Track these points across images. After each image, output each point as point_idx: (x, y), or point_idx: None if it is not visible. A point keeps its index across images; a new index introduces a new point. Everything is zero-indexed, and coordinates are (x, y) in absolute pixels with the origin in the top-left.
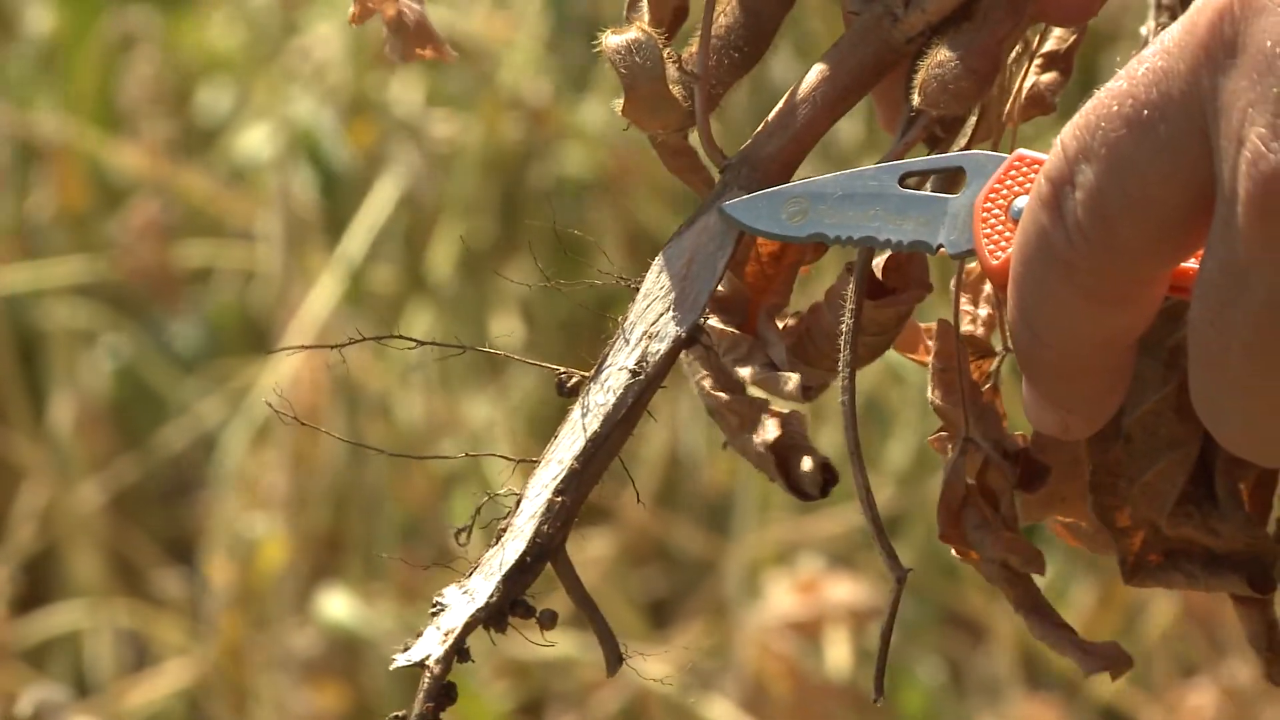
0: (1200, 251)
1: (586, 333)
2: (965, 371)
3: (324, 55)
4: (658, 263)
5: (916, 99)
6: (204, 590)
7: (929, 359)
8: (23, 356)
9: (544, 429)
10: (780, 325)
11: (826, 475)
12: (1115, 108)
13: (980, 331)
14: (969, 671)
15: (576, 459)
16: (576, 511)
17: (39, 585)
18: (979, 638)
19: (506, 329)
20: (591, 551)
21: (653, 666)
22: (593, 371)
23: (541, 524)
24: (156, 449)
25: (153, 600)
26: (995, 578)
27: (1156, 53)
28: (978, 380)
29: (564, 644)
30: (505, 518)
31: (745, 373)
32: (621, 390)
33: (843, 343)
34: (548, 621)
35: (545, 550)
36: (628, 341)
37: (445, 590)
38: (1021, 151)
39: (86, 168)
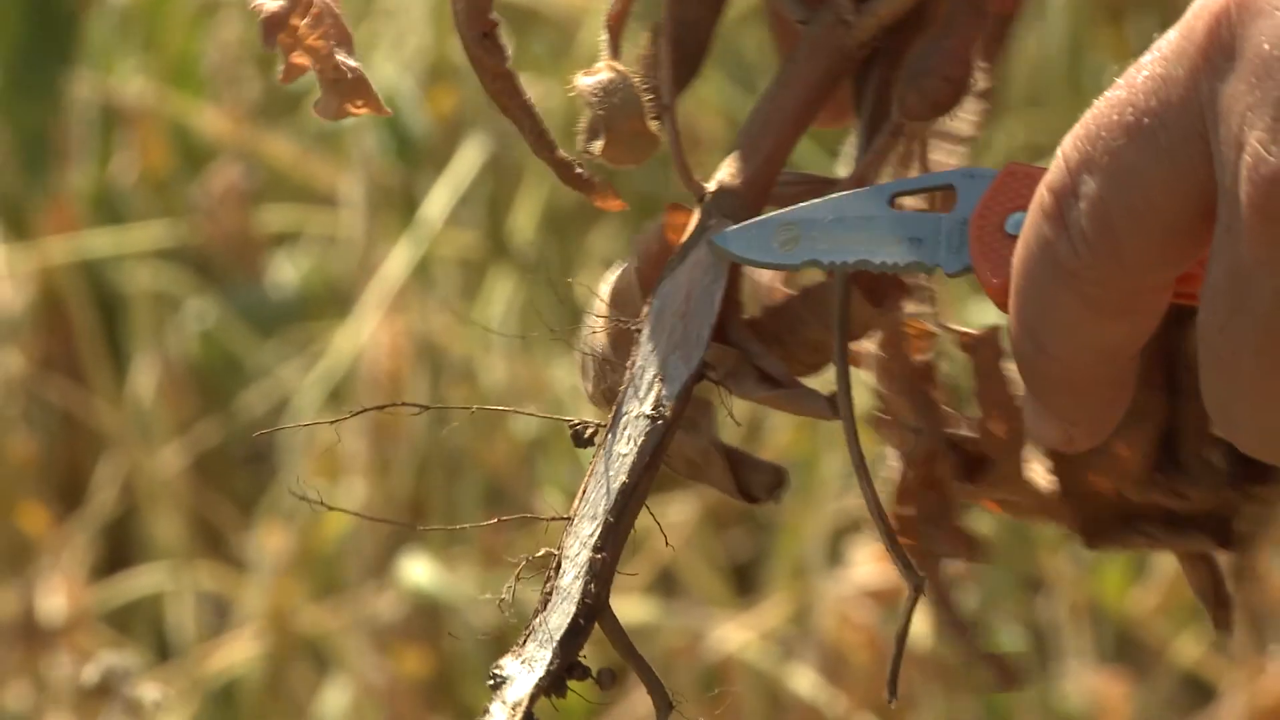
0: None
1: None
2: (908, 360)
3: (405, 21)
4: (656, 302)
5: (896, 112)
6: (281, 555)
7: (872, 348)
8: (106, 321)
9: None
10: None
11: (779, 480)
12: (1115, 116)
13: (920, 319)
14: (1048, 639)
15: (610, 513)
16: (616, 565)
17: (121, 549)
18: (1057, 605)
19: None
20: (674, 517)
21: (735, 633)
22: (610, 422)
23: (587, 583)
24: (238, 413)
25: (234, 564)
26: (920, 566)
27: (1155, 59)
28: (920, 369)
29: (646, 610)
30: (546, 580)
31: (749, 390)
32: (643, 439)
33: (836, 355)
34: (607, 682)
35: (594, 610)
36: (639, 387)
37: (502, 661)
38: (1012, 165)
39: (169, 132)
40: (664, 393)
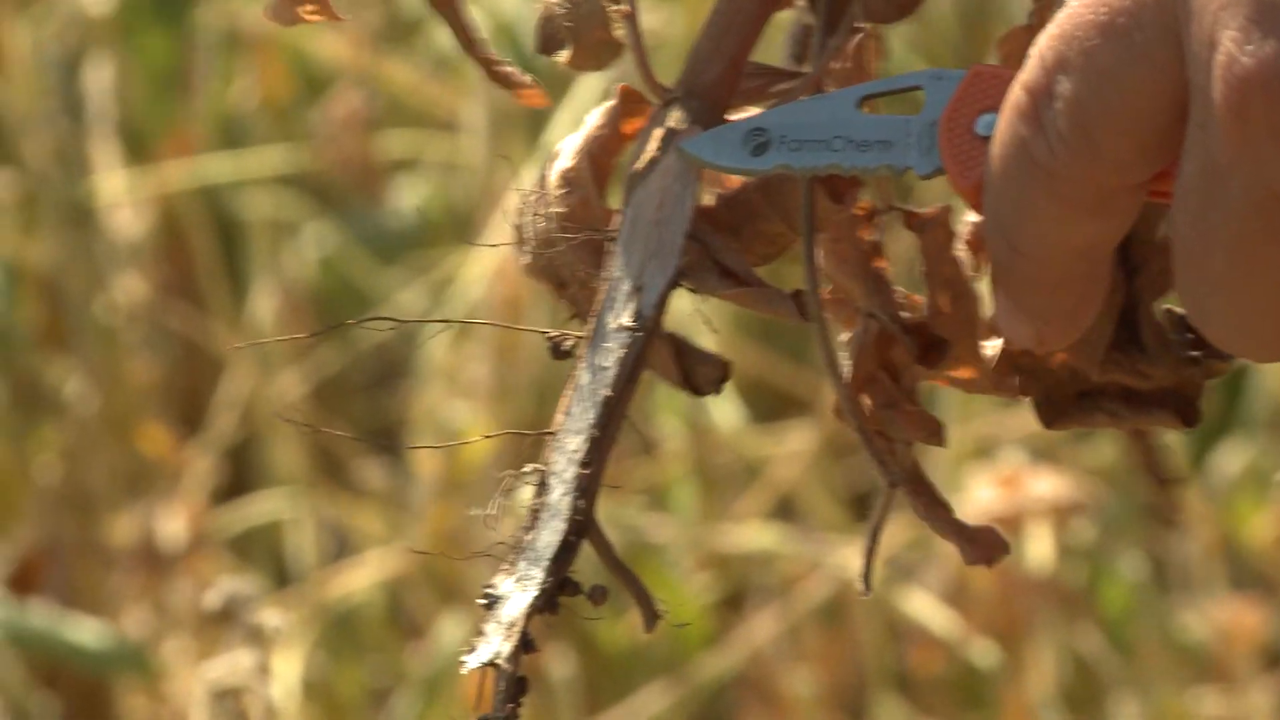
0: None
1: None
2: (857, 242)
3: None
4: (629, 211)
5: (862, 15)
6: (407, 480)
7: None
8: (225, 246)
9: (747, 319)
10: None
11: (724, 374)
12: (1090, 16)
13: (865, 200)
14: (1171, 567)
15: (595, 427)
16: (602, 479)
17: (241, 474)
18: (1181, 533)
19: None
20: (792, 445)
21: (854, 560)
22: (588, 334)
23: (576, 499)
24: (358, 339)
25: (354, 490)
26: (880, 451)
27: None
28: (870, 251)
29: (766, 537)
30: (535, 496)
31: (711, 286)
32: (624, 350)
33: (804, 253)
34: (599, 596)
35: (583, 525)
36: (617, 298)
37: (495, 580)
38: (979, 66)
39: (289, 58)
40: (642, 303)
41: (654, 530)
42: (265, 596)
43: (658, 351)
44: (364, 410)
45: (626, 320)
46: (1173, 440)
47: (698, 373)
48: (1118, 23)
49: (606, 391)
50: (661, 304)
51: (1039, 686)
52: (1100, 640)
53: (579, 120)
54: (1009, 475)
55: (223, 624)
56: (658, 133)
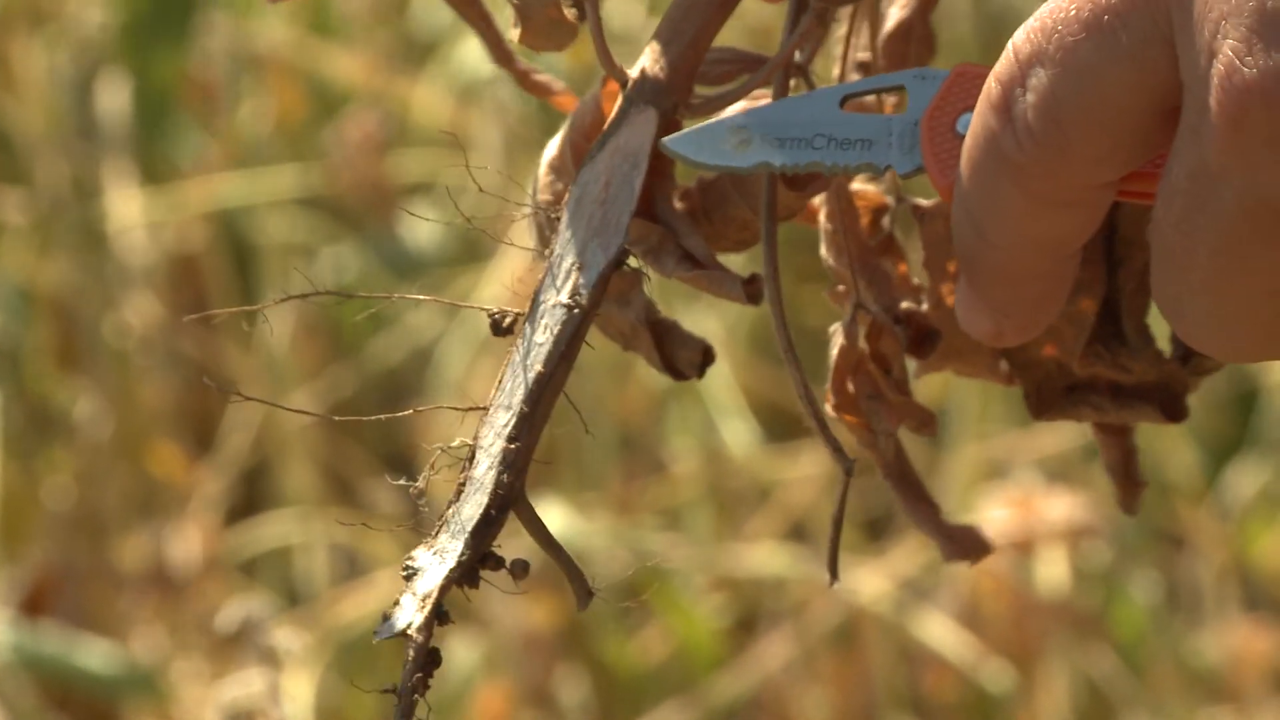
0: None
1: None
2: (855, 232)
3: None
4: (575, 189)
5: None
6: (419, 502)
7: (820, 220)
8: (240, 270)
9: (763, 340)
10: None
11: (705, 357)
12: (1073, 11)
13: (871, 189)
14: (1183, 589)
15: (524, 402)
16: (531, 455)
17: (253, 497)
18: (1194, 556)
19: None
20: (805, 467)
21: (868, 582)
22: (528, 310)
23: (500, 473)
24: (372, 360)
25: (367, 512)
26: (868, 443)
27: None
28: (868, 238)
29: (779, 560)
30: (462, 470)
31: (669, 269)
32: (559, 327)
33: (764, 238)
34: (520, 571)
35: (507, 500)
36: (557, 275)
37: (415, 553)
38: (964, 65)
39: (305, 79)
40: (581, 281)
41: (666, 552)
42: (277, 619)
43: (639, 335)
44: (376, 432)
45: (564, 298)
46: (1187, 461)
47: (679, 356)
48: (1103, 20)
49: (539, 368)
50: (602, 283)
51: (1052, 710)
52: (1113, 663)
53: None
54: (1023, 496)
55: (235, 646)
56: (613, 114)
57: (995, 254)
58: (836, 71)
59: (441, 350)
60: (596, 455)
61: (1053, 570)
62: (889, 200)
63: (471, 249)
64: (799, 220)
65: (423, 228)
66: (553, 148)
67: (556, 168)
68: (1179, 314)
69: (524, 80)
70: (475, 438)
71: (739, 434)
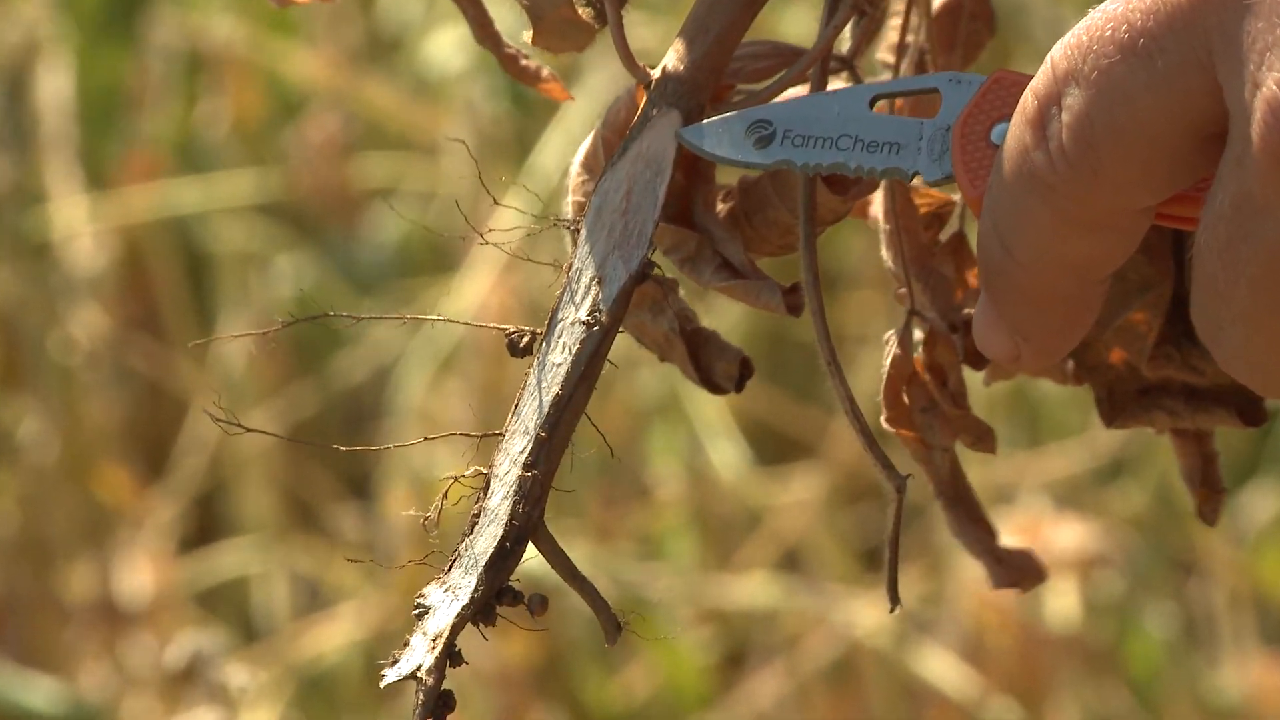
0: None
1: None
2: (913, 232)
3: None
4: (594, 198)
5: None
6: (383, 529)
7: (879, 220)
8: (192, 279)
9: (754, 354)
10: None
11: (743, 371)
12: (1110, 32)
13: (932, 189)
14: (1201, 621)
15: (542, 428)
16: (550, 483)
17: (208, 524)
18: (1208, 584)
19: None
20: (798, 491)
21: (865, 614)
22: (544, 329)
23: (516, 503)
24: (334, 378)
25: (328, 539)
26: (921, 458)
27: None
28: (927, 240)
29: (770, 591)
30: (476, 501)
31: (706, 278)
32: (578, 346)
33: (803, 245)
34: (539, 606)
35: (524, 530)
36: (575, 290)
37: (426, 590)
38: (1002, 72)
39: (262, 78)
40: (601, 296)
41: (649, 582)
42: (232, 653)
43: (673, 345)
44: (339, 453)
45: (583, 315)
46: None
47: (715, 369)
48: (1138, 44)
49: (557, 390)
50: (623, 299)
51: None
52: (1127, 701)
53: (568, 143)
54: (1030, 523)
55: (186, 683)
56: (637, 115)
57: (1020, 272)
58: (879, 56)
59: (403, 367)
60: (573, 478)
61: (1062, 601)
62: (954, 199)
63: (439, 258)
64: (853, 214)
65: (387, 235)
66: (584, 147)
67: (590, 167)
68: (1216, 341)
69: (510, 65)
70: (490, 466)
71: (727, 455)
